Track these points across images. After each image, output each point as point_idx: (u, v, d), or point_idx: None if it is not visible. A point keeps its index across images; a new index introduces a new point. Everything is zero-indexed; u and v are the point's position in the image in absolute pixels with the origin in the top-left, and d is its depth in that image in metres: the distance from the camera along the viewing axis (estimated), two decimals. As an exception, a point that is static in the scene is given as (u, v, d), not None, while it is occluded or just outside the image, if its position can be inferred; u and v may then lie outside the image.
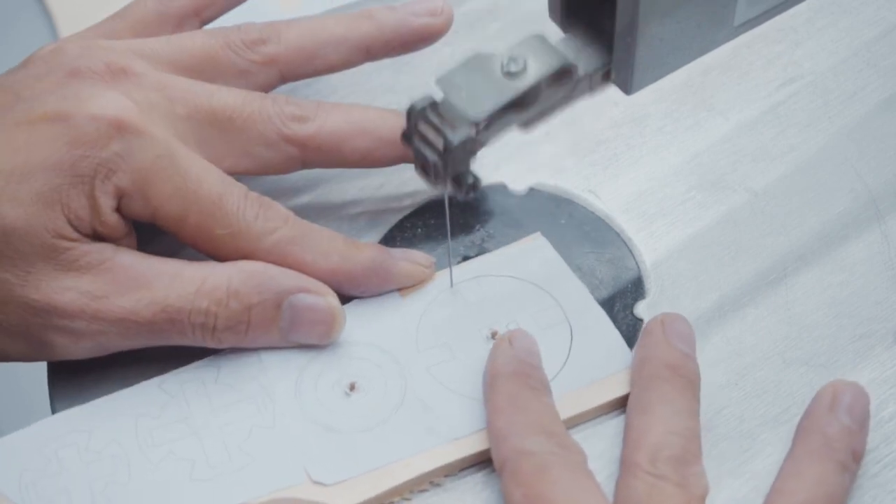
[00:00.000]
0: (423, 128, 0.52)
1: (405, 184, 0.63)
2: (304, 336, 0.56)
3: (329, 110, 0.59)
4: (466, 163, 0.52)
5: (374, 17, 0.61)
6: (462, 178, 0.52)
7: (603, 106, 0.65)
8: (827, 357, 0.56)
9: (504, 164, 0.63)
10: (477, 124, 0.51)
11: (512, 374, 0.53)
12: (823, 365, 0.56)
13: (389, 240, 0.61)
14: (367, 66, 0.66)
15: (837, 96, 0.65)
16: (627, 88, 0.54)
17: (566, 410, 0.54)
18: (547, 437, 0.51)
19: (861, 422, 0.53)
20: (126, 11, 0.61)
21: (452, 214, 0.61)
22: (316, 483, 0.52)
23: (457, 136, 0.51)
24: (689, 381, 0.53)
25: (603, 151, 0.64)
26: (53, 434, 0.54)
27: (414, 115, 0.52)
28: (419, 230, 0.61)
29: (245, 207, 0.55)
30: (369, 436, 0.54)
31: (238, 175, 0.57)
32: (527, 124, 0.53)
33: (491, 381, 0.54)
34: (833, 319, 0.57)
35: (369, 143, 0.59)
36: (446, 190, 0.56)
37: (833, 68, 0.67)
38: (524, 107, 0.52)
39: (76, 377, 0.56)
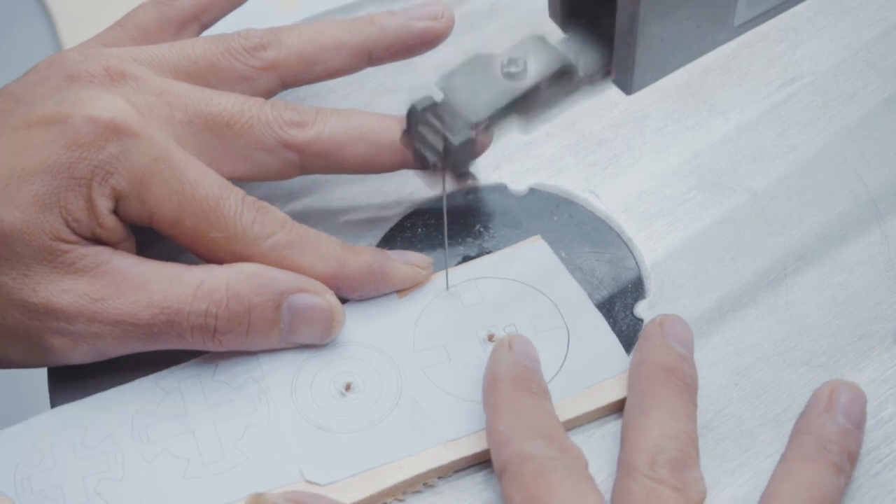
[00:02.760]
0: (423, 129, 0.52)
1: (405, 184, 0.63)
2: (305, 336, 0.56)
3: (328, 116, 0.59)
4: (466, 163, 0.52)
5: (376, 21, 0.61)
6: (460, 168, 0.52)
7: (603, 106, 0.65)
8: (827, 357, 0.56)
9: (504, 164, 0.63)
10: (476, 126, 0.51)
11: (512, 379, 0.53)
12: (823, 365, 0.56)
13: (389, 240, 0.61)
14: (363, 75, 0.66)
15: (837, 96, 0.66)
16: (627, 88, 0.54)
17: (562, 414, 0.54)
18: (548, 441, 0.51)
19: (857, 422, 0.53)
20: (126, 19, 0.61)
21: (452, 214, 0.61)
22: (309, 483, 0.52)
23: (457, 138, 0.51)
24: (686, 385, 0.53)
25: (603, 151, 0.64)
26: (49, 429, 0.54)
27: (414, 116, 0.52)
28: (419, 230, 0.61)
29: (242, 211, 0.55)
30: (363, 436, 0.54)
31: (237, 180, 0.57)
32: (527, 125, 0.54)
33: (490, 385, 0.54)
34: (833, 319, 0.57)
35: (368, 148, 0.59)
36: (444, 191, 0.56)
37: (833, 68, 0.67)
38: (524, 108, 0.52)
39: (76, 382, 0.56)
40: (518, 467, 0.50)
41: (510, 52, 0.52)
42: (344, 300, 0.57)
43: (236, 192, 0.55)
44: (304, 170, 0.59)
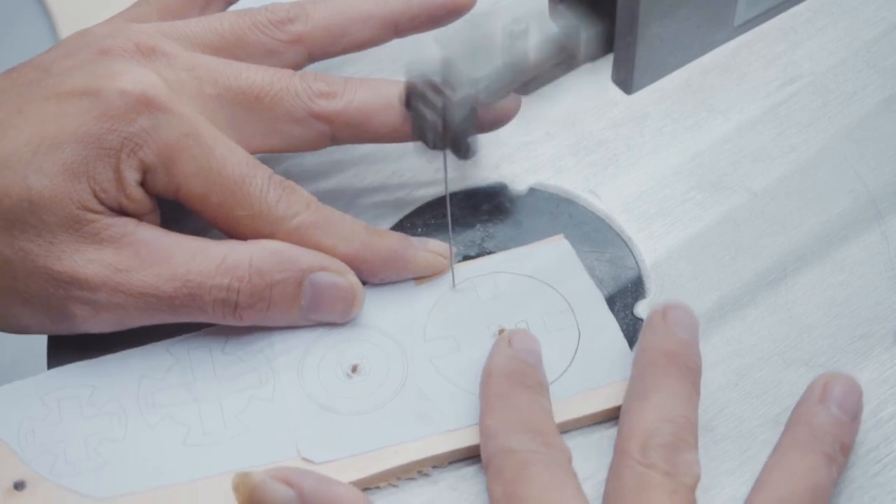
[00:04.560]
0: (423, 88, 0.51)
1: (405, 184, 0.63)
2: (325, 314, 0.56)
3: (357, 85, 0.59)
4: (465, 124, 0.52)
5: None
6: (460, 141, 0.52)
7: (603, 106, 0.65)
8: (827, 357, 0.56)
9: (504, 164, 0.63)
10: (476, 83, 0.51)
11: (508, 374, 0.53)
12: (823, 365, 0.56)
13: (389, 240, 0.61)
14: (368, 66, 0.66)
15: (837, 96, 0.66)
16: (627, 88, 0.54)
17: (565, 413, 0.54)
18: (532, 435, 0.51)
19: (852, 414, 0.53)
20: None
21: (452, 214, 0.61)
22: (305, 460, 0.53)
23: (456, 94, 0.51)
24: (688, 369, 0.53)
25: (603, 151, 0.64)
26: (57, 385, 0.55)
27: (414, 76, 0.51)
28: (420, 230, 0.61)
29: (268, 190, 0.55)
30: (364, 419, 0.54)
31: (268, 153, 0.58)
32: (526, 88, 0.53)
33: (486, 379, 0.54)
34: (833, 319, 0.57)
35: (398, 117, 0.58)
36: (447, 191, 0.56)
37: (833, 68, 0.67)
38: (524, 69, 0.52)
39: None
40: (501, 461, 0.51)
41: (513, 13, 0.52)
42: (363, 283, 0.57)
43: (263, 171, 0.56)
44: (335, 140, 0.59)
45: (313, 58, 0.61)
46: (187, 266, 0.54)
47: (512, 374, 0.53)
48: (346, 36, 0.61)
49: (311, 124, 0.58)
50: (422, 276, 0.58)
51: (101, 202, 0.54)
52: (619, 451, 0.51)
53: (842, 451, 0.52)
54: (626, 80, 0.54)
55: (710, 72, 0.66)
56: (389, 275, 0.58)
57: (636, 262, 0.60)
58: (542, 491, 0.49)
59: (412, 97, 0.52)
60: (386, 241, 0.57)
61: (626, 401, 0.53)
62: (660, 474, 0.50)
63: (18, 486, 0.52)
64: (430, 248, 0.58)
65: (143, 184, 0.55)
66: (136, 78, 0.54)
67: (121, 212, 0.54)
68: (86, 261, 0.53)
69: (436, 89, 0.51)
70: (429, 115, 0.51)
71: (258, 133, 0.58)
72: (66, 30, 0.78)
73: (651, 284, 0.59)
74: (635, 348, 0.55)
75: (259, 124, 0.57)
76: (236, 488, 0.49)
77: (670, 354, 0.53)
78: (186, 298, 0.54)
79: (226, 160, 0.55)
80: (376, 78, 0.60)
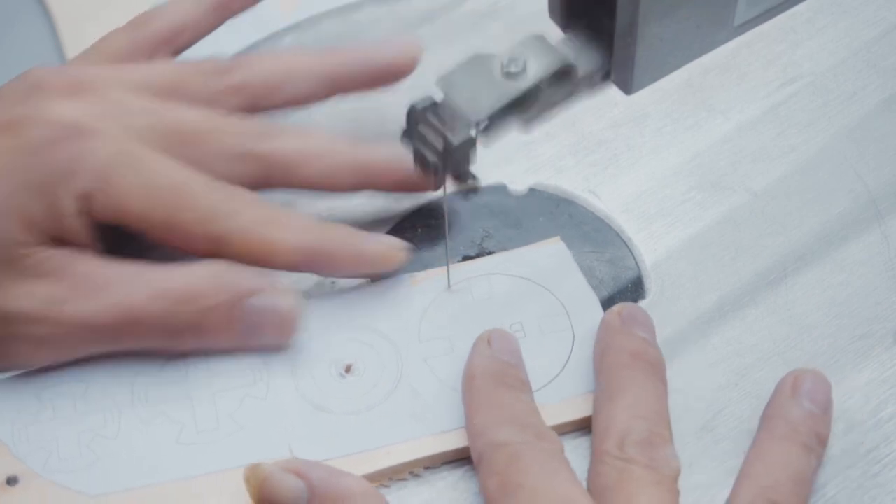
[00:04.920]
0: (423, 128, 0.52)
1: (405, 184, 0.63)
2: (263, 338, 0.55)
3: (292, 130, 0.59)
4: (466, 162, 0.52)
5: (342, 51, 0.61)
6: (461, 172, 0.53)
7: (603, 106, 0.65)
8: (827, 357, 0.56)
9: (504, 164, 0.63)
10: (476, 125, 0.51)
11: (490, 375, 0.53)
12: (823, 365, 0.56)
13: (389, 240, 0.61)
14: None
15: (837, 96, 0.66)
16: (627, 88, 0.54)
17: (557, 418, 0.54)
18: (521, 428, 0.51)
19: (823, 407, 0.53)
20: (99, 45, 0.61)
21: (452, 214, 0.61)
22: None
23: (457, 137, 0.51)
24: (652, 365, 0.53)
25: (603, 151, 0.64)
26: (51, 381, 0.55)
27: (414, 115, 0.52)
28: (419, 230, 0.61)
29: (210, 191, 0.55)
30: (357, 419, 0.54)
31: None
32: (527, 124, 0.54)
33: (468, 381, 0.54)
34: (833, 319, 0.57)
35: (327, 166, 0.58)
36: (445, 191, 0.56)
37: (833, 68, 0.67)
38: (524, 107, 0.52)
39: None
40: (492, 455, 0.51)
41: (510, 51, 0.53)
42: (361, 283, 0.57)
43: (200, 175, 0.55)
44: (269, 182, 0.58)
45: (252, 109, 0.60)
46: (125, 294, 0.53)
47: (494, 375, 0.53)
48: (284, 90, 0.60)
49: (242, 163, 0.57)
50: (418, 276, 0.58)
51: (36, 236, 0.53)
52: (596, 452, 0.51)
53: (818, 443, 0.52)
54: (626, 80, 0.54)
55: (710, 72, 0.66)
56: (345, 267, 0.57)
57: (636, 262, 0.60)
58: (536, 479, 0.49)
59: (412, 135, 0.52)
60: (337, 232, 0.57)
61: (596, 403, 0.53)
62: (640, 467, 0.50)
63: (11, 481, 0.52)
64: (384, 241, 0.58)
65: (85, 211, 0.54)
66: (62, 109, 0.54)
67: (59, 243, 0.54)
68: (22, 295, 0.53)
69: (436, 130, 0.52)
70: (429, 154, 0.52)
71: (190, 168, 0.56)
72: (65, 30, 0.78)
73: (651, 285, 0.59)
74: (595, 350, 0.55)
75: (191, 160, 0.56)
76: (247, 480, 0.49)
77: (634, 353, 0.53)
78: (126, 327, 0.53)
79: (162, 171, 0.54)
80: (309, 127, 0.60)
